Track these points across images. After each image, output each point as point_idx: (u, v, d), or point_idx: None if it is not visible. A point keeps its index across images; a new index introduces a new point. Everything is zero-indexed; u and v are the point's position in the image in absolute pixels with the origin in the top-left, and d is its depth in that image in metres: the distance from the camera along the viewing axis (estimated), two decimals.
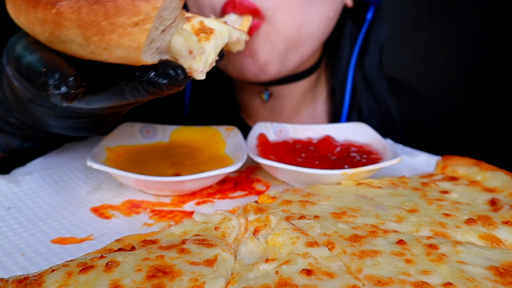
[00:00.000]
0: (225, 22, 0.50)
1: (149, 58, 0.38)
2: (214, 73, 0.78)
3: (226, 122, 0.81)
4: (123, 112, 0.55)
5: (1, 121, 0.59)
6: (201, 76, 0.44)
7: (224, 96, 0.90)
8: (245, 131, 0.68)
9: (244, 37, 0.56)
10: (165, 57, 0.41)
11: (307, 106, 0.91)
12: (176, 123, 0.73)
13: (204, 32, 0.45)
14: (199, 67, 0.43)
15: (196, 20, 0.46)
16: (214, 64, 0.46)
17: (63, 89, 0.36)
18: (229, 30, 0.49)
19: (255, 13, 0.66)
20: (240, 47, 0.57)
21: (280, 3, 0.66)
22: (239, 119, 0.92)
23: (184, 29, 0.41)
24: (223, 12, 0.66)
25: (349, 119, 0.88)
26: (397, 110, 0.90)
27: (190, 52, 0.42)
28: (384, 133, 0.70)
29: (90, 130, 0.56)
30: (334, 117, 0.90)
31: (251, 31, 0.67)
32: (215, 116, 0.91)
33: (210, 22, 0.47)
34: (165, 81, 0.39)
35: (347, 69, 0.87)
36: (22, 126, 0.58)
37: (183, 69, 0.40)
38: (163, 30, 0.38)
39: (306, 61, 0.82)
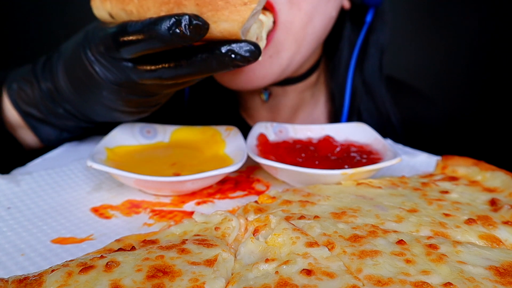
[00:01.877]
0: (264, 13, 0.59)
1: (241, 36, 0.48)
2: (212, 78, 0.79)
3: (225, 120, 0.81)
4: (169, 96, 0.61)
5: (47, 112, 0.66)
6: (260, 57, 0.53)
7: (224, 95, 0.90)
8: (245, 130, 0.68)
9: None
10: (247, 33, 0.50)
11: (307, 106, 0.91)
12: (176, 122, 0.73)
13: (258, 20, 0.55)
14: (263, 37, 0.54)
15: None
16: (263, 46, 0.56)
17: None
18: (268, 19, 0.60)
19: (269, 7, 0.65)
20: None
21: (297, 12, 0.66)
22: (239, 118, 0.92)
23: (258, 19, 0.52)
24: None
25: (348, 122, 0.87)
26: (396, 116, 0.90)
27: (257, 39, 0.53)
28: (383, 137, 0.70)
29: (143, 111, 0.62)
30: (334, 120, 0.90)
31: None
32: (215, 115, 0.91)
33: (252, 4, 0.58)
34: (248, 54, 0.48)
35: (346, 73, 0.86)
36: (67, 116, 0.65)
37: (257, 45, 0.49)
38: (253, 15, 0.47)
39: (305, 63, 0.81)
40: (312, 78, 0.87)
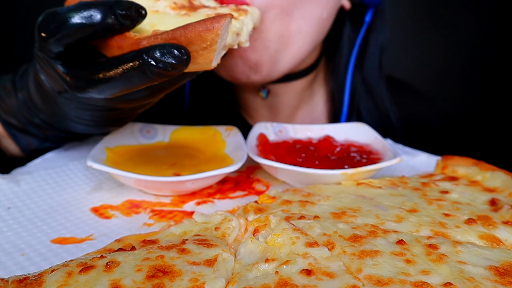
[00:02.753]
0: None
1: (215, 63, 0.46)
2: (213, 71, 0.79)
3: (225, 119, 0.81)
4: (139, 110, 0.58)
5: (25, 122, 0.64)
6: (247, 44, 0.54)
7: (223, 94, 0.91)
8: (245, 129, 0.68)
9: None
10: (222, 52, 0.49)
11: (306, 105, 0.92)
12: (176, 121, 0.73)
13: (243, 11, 0.55)
14: (244, 38, 0.54)
15: (232, 5, 0.57)
16: (250, 33, 0.56)
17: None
18: (256, 11, 0.59)
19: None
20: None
21: (272, 1, 0.65)
22: (239, 116, 0.92)
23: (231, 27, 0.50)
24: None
25: (348, 121, 0.88)
26: (396, 114, 0.91)
27: (237, 34, 0.52)
28: (383, 136, 0.70)
29: (108, 125, 0.59)
30: (334, 119, 0.91)
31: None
32: (215, 114, 0.91)
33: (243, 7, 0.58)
34: (170, 60, 0.42)
35: (346, 72, 0.87)
36: (44, 126, 0.63)
37: (185, 49, 0.43)
38: (222, 36, 0.45)
39: (303, 61, 0.81)
40: (311, 76, 0.88)
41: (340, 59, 0.87)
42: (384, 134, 0.75)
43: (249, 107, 0.91)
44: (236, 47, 0.53)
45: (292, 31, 0.70)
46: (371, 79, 0.89)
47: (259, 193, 0.59)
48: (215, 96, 0.92)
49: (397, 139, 0.81)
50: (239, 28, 0.52)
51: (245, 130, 0.68)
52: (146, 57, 0.42)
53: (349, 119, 0.88)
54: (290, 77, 0.83)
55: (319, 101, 0.93)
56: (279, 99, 0.88)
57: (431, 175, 0.61)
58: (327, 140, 0.66)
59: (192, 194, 0.58)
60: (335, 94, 0.89)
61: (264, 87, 0.86)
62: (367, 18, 0.84)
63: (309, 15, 0.71)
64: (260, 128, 0.68)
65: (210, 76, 0.87)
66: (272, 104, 0.89)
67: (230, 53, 0.70)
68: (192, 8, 0.53)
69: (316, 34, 0.75)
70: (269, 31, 0.68)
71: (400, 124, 0.91)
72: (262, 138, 0.66)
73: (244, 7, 0.57)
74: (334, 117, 0.90)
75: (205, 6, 0.55)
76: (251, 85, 0.83)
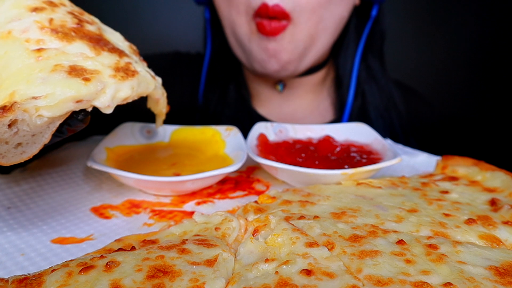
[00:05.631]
0: (154, 77, 0.49)
1: (28, 154, 0.38)
2: (227, 63, 0.88)
3: (237, 110, 0.87)
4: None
5: None
6: (108, 110, 0.43)
7: (236, 85, 0.95)
8: (255, 119, 0.73)
9: (164, 110, 0.55)
10: (58, 122, 0.41)
11: (316, 96, 0.96)
12: (189, 115, 0.73)
13: (126, 72, 0.45)
14: (104, 103, 0.43)
15: (125, 60, 0.46)
16: (130, 100, 0.45)
17: None
18: (156, 84, 0.49)
19: (285, 16, 0.73)
20: (156, 110, 0.54)
21: (306, 6, 0.74)
22: (250, 107, 0.95)
23: (55, 98, 0.39)
24: (256, 15, 0.74)
25: (354, 104, 0.93)
26: (399, 95, 0.96)
27: (79, 101, 0.41)
28: (388, 118, 0.73)
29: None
30: (339, 103, 0.95)
31: (277, 31, 0.74)
32: (227, 104, 0.95)
33: (140, 68, 0.46)
34: None
35: (353, 60, 0.93)
36: None
37: None
38: (16, 132, 0.37)
39: (320, 57, 0.87)
40: (323, 71, 0.93)
41: (347, 49, 0.93)
42: (388, 115, 0.81)
43: (263, 98, 0.95)
44: (90, 109, 0.43)
45: (319, 30, 0.78)
46: (373, 64, 0.95)
47: (259, 193, 0.59)
48: (227, 87, 0.95)
49: (401, 118, 0.86)
50: (79, 91, 0.40)
51: (255, 121, 0.70)
52: None
53: (355, 102, 0.93)
54: (307, 71, 0.88)
55: (325, 89, 0.97)
56: (294, 92, 0.93)
57: (431, 175, 0.61)
58: (327, 140, 0.66)
59: (192, 194, 0.58)
60: (344, 81, 0.93)
61: (281, 81, 0.91)
62: (373, 12, 0.90)
63: (334, 14, 0.79)
64: (260, 128, 0.68)
65: (223, 68, 0.93)
66: (285, 95, 0.94)
67: (265, 52, 0.77)
68: (71, 34, 0.44)
69: (336, 32, 0.83)
70: (302, 31, 0.76)
71: (403, 103, 0.95)
72: (262, 138, 0.66)
73: (140, 69, 0.46)
74: (339, 102, 0.94)
75: (90, 31, 0.46)
76: (276, 78, 0.89)
